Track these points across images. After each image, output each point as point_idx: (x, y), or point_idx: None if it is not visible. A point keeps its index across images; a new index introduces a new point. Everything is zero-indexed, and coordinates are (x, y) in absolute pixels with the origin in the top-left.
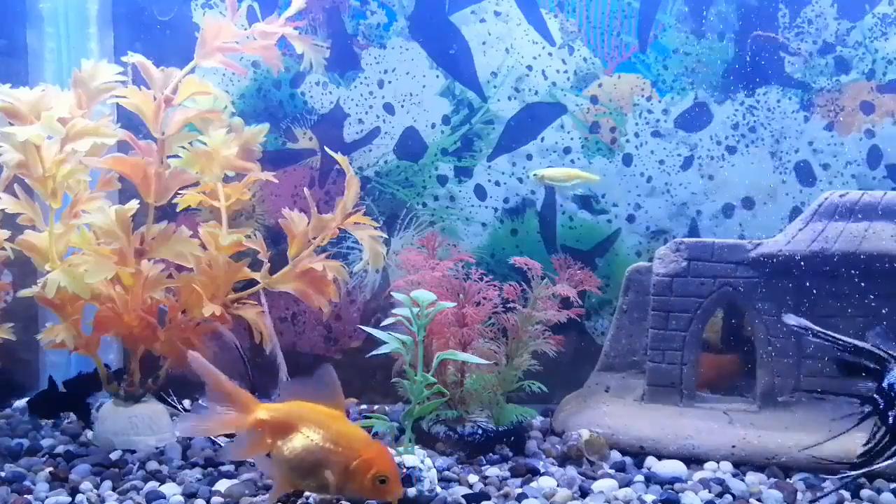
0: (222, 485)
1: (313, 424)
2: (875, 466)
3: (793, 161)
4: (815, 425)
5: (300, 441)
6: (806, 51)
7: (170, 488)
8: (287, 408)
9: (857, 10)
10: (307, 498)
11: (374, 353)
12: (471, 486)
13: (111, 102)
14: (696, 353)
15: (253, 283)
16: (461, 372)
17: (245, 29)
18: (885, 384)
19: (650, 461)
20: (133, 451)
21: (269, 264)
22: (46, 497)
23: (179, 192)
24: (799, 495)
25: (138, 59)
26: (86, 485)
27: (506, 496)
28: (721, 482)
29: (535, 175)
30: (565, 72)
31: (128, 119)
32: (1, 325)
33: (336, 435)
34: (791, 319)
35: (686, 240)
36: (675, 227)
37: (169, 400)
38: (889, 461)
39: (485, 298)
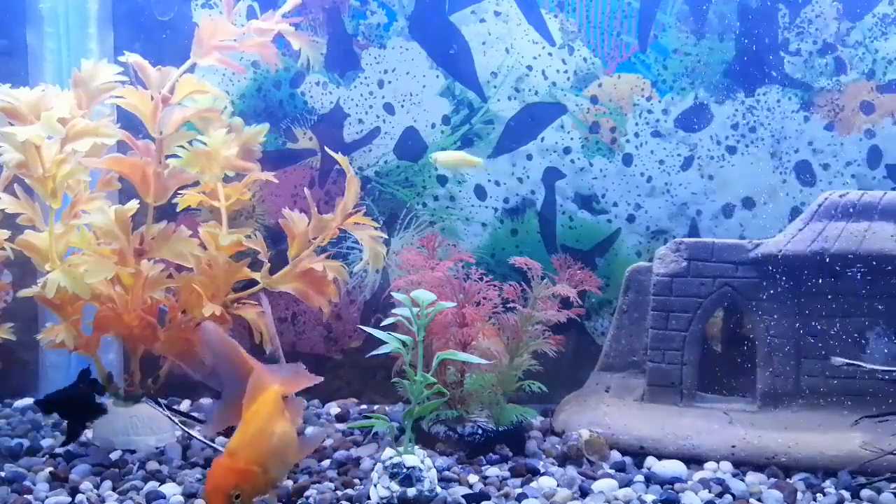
0: None
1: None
2: None
3: (793, 161)
4: (815, 425)
5: None
6: (806, 51)
7: (170, 488)
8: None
9: (857, 10)
10: (307, 498)
11: (374, 353)
12: (471, 486)
13: (110, 103)
14: (696, 354)
15: (253, 283)
16: (461, 372)
17: (242, 26)
18: None
19: (650, 461)
20: (133, 451)
21: (269, 264)
22: (46, 497)
23: (179, 192)
24: (799, 495)
25: (135, 59)
26: (86, 485)
27: (506, 496)
28: (721, 482)
29: (431, 158)
30: (565, 72)
31: (127, 119)
32: (1, 325)
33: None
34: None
35: (686, 240)
36: (675, 227)
37: (161, 407)
38: None
39: (485, 298)
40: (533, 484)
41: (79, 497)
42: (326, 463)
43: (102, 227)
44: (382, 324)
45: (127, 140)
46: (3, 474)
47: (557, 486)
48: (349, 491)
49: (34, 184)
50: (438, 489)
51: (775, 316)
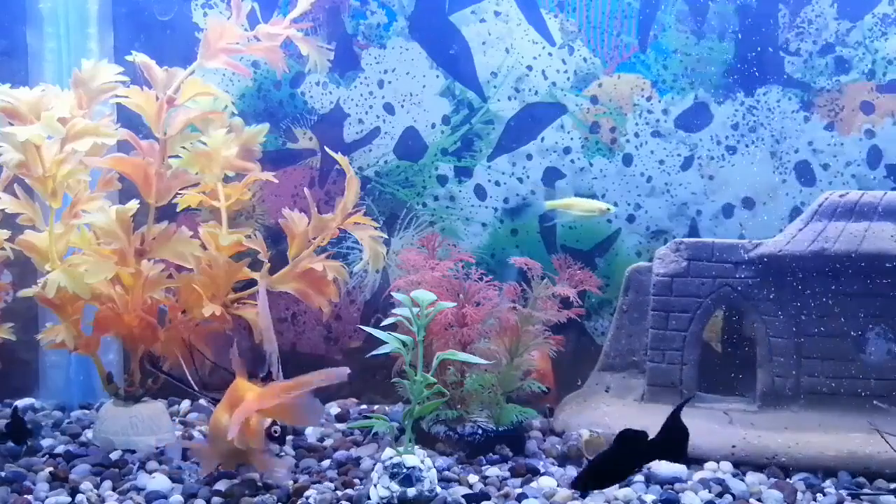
0: (222, 484)
1: None
2: None
3: (793, 161)
4: (815, 425)
5: None
6: (805, 51)
7: (162, 482)
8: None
9: (857, 10)
10: (307, 498)
11: (374, 353)
12: (471, 486)
13: (112, 102)
14: (696, 354)
15: (253, 283)
16: (461, 372)
17: (245, 29)
18: None
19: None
20: (133, 451)
21: (269, 264)
22: (46, 497)
23: (179, 192)
24: (799, 495)
25: (142, 59)
26: (86, 485)
27: (506, 496)
28: (721, 482)
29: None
30: (565, 72)
31: (128, 119)
32: (1, 325)
33: None
34: None
35: (686, 240)
36: (675, 227)
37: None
38: None
39: (485, 298)
40: (533, 484)
41: (79, 497)
42: (326, 463)
43: (103, 227)
44: (382, 324)
45: (131, 140)
46: (3, 474)
47: (557, 486)
48: (349, 491)
49: (34, 184)
50: (438, 489)
51: (775, 316)
